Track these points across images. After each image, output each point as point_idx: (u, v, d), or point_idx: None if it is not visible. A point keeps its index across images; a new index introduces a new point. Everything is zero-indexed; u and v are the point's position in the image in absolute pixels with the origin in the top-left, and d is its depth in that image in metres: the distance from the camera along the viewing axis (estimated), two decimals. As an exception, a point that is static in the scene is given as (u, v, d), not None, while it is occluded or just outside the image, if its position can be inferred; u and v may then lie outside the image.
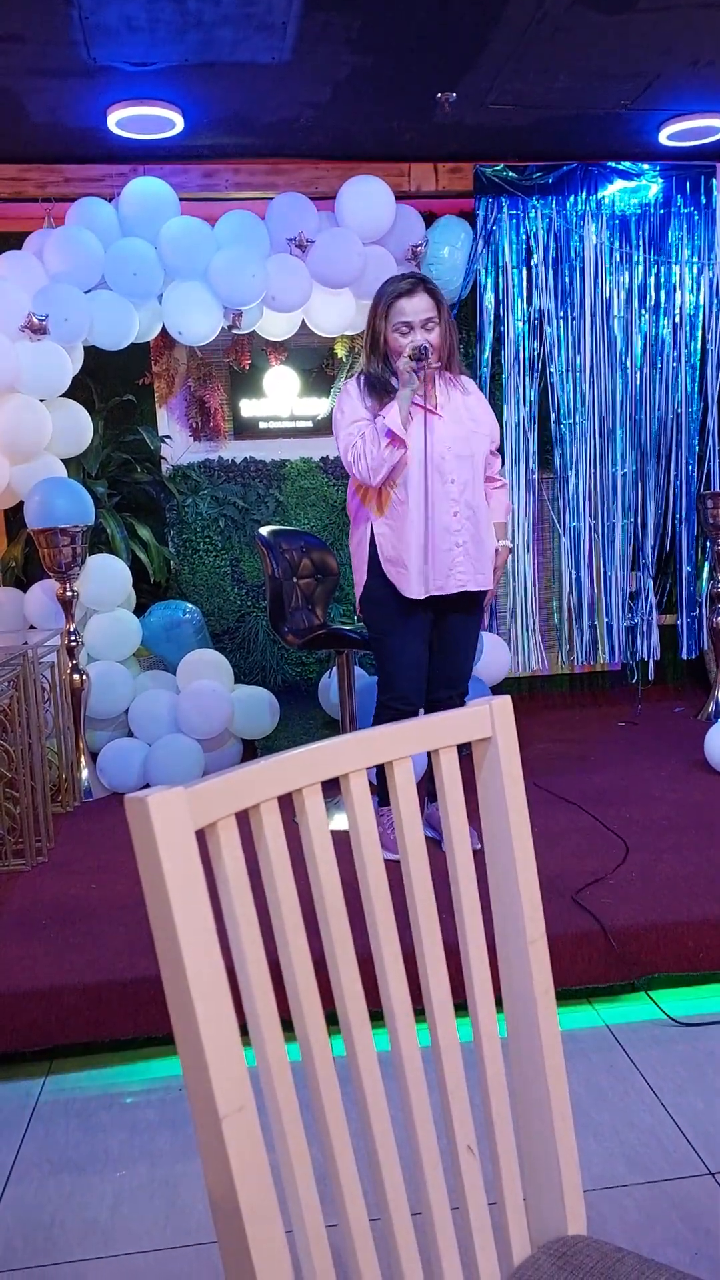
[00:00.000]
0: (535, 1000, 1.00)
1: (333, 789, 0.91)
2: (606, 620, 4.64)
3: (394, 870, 0.94)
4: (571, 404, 4.48)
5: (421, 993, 0.97)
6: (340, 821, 3.10)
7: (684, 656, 4.78)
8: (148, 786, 0.77)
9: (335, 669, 3.58)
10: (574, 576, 4.59)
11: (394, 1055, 0.94)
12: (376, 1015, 0.91)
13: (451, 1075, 0.97)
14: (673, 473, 4.62)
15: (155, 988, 2.24)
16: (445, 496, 2.72)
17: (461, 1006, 0.98)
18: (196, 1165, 1.90)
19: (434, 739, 1.00)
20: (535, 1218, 1.01)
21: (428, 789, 2.95)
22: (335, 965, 0.90)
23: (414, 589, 2.74)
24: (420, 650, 2.84)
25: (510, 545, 2.96)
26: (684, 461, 4.60)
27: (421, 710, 2.86)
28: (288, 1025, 0.84)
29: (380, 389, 2.77)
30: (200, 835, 0.78)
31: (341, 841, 0.92)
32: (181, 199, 3.97)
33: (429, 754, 1.01)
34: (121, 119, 3.68)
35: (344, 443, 2.75)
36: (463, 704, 3.03)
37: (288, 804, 0.89)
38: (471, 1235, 0.96)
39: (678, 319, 4.51)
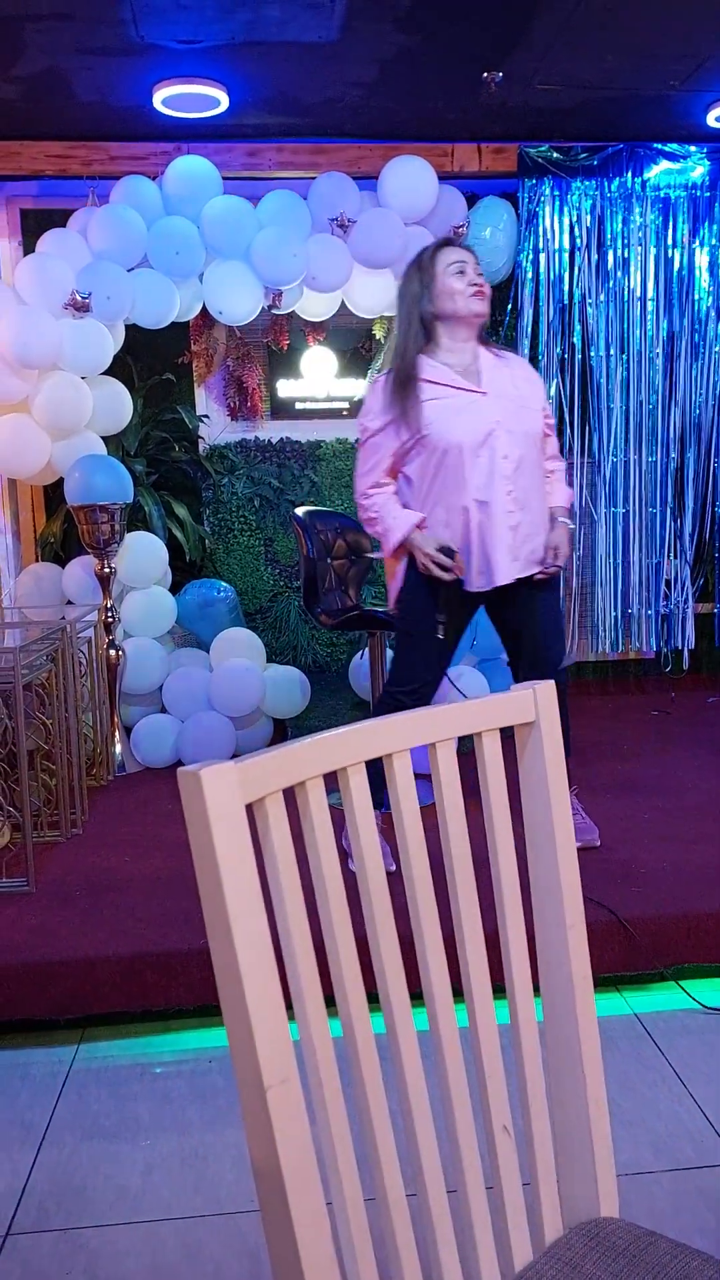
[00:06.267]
0: (573, 985, 1.01)
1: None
2: (641, 608, 4.60)
3: (435, 852, 0.94)
4: (611, 388, 4.44)
5: (460, 975, 0.98)
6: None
7: (719, 645, 4.74)
8: (180, 763, 0.78)
9: (366, 650, 3.58)
10: (610, 563, 4.56)
11: (433, 1036, 0.95)
12: (416, 996, 0.92)
13: (489, 1057, 0.97)
14: (713, 460, 4.57)
15: (187, 960, 2.27)
16: (499, 474, 2.53)
17: (500, 990, 0.99)
18: (226, 1136, 1.93)
19: (477, 722, 1.01)
20: (568, 1199, 1.02)
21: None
22: (377, 944, 0.91)
23: (476, 583, 2.58)
24: (449, 641, 2.68)
25: (570, 525, 2.72)
26: (725, 449, 4.55)
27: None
28: (330, 1002, 0.85)
29: (405, 384, 2.56)
30: (249, 810, 0.79)
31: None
32: (225, 178, 3.97)
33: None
34: (167, 97, 3.67)
35: (360, 482, 2.64)
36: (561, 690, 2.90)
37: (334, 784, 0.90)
38: (505, 1214, 0.97)
39: (722, 304, 4.45)
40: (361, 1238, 0.84)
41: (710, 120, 4.11)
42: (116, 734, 3.84)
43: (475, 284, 2.57)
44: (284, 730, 4.12)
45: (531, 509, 2.60)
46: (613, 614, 4.60)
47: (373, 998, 0.88)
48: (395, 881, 0.92)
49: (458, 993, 0.96)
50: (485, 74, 3.64)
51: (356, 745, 0.89)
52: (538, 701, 1.03)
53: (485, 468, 2.53)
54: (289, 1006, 0.81)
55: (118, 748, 3.83)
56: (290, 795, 0.85)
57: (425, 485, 2.57)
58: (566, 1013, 1.02)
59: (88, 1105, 2.05)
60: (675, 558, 4.63)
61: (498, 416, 2.55)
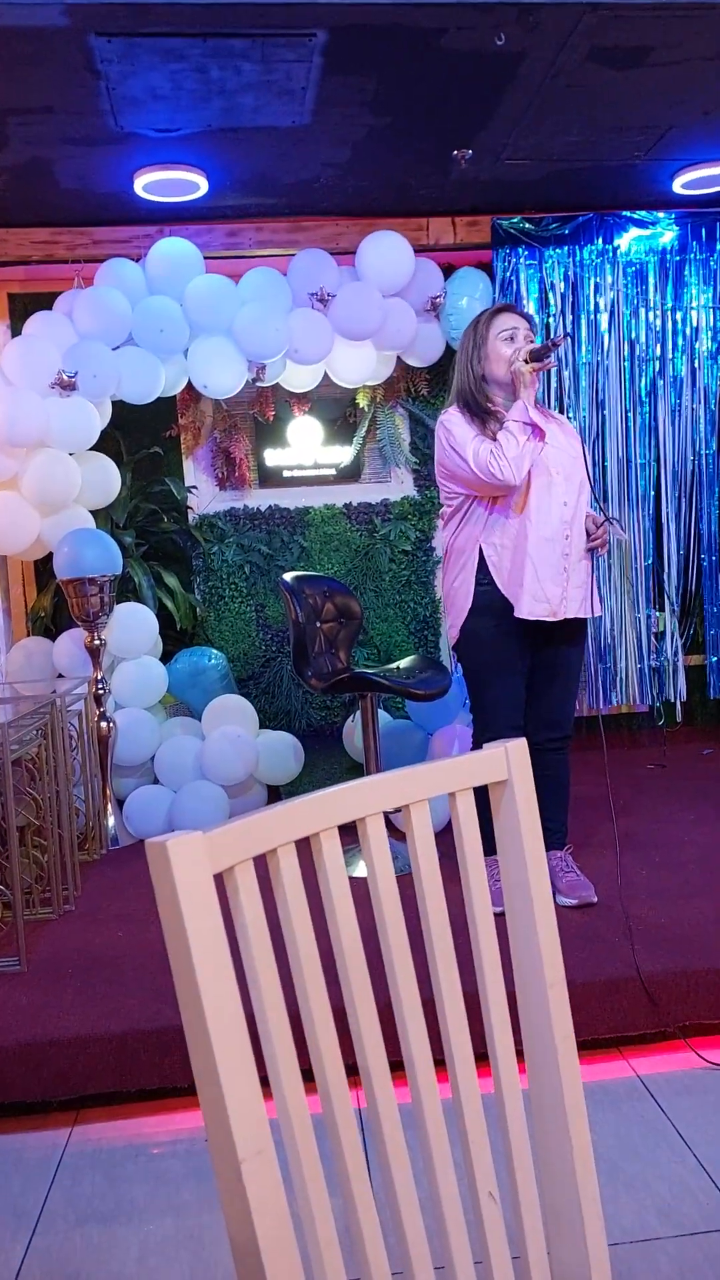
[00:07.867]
0: (556, 1047, 1.00)
1: (353, 836, 0.92)
2: (632, 662, 4.62)
3: (413, 916, 0.94)
4: (593, 448, 4.51)
5: (441, 1042, 0.97)
6: (361, 868, 3.08)
7: (712, 696, 4.75)
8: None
9: (359, 713, 3.59)
10: (602, 617, 4.59)
11: (414, 1106, 0.94)
12: (396, 1065, 0.91)
13: (473, 1126, 0.96)
14: (697, 513, 4.63)
15: (181, 1037, 2.23)
16: (559, 519, 2.69)
17: (482, 1056, 0.98)
18: (222, 1216, 1.88)
19: (450, 782, 1.01)
20: (559, 1269, 0.99)
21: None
22: (355, 1013, 0.90)
23: (527, 608, 2.67)
24: (520, 687, 2.80)
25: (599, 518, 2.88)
26: (706, 501, 4.61)
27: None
28: (308, 1075, 0.84)
29: (478, 412, 2.77)
30: (219, 880, 0.80)
31: (360, 886, 0.92)
32: (206, 257, 4.07)
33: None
34: (148, 183, 3.79)
35: (474, 457, 2.67)
36: (566, 748, 3.03)
37: (307, 851, 0.90)
38: (495, 1287, 0.95)
39: (696, 363, 4.55)
40: (345, 1317, 0.82)
41: (676, 187, 4.25)
42: (109, 807, 3.82)
43: None
44: (278, 796, 4.10)
45: (580, 557, 2.75)
46: (603, 668, 4.62)
47: (352, 1069, 0.87)
48: (372, 947, 0.91)
49: (439, 1061, 0.95)
50: (455, 152, 3.76)
51: (326, 811, 0.90)
52: (510, 760, 1.04)
53: (549, 506, 2.69)
54: (265, 1079, 0.80)
55: (110, 821, 3.81)
56: (263, 864, 0.86)
57: (497, 504, 2.73)
58: (551, 1076, 1.01)
59: (82, 1189, 2.01)
60: (663, 610, 4.66)
61: (555, 465, 2.73)
